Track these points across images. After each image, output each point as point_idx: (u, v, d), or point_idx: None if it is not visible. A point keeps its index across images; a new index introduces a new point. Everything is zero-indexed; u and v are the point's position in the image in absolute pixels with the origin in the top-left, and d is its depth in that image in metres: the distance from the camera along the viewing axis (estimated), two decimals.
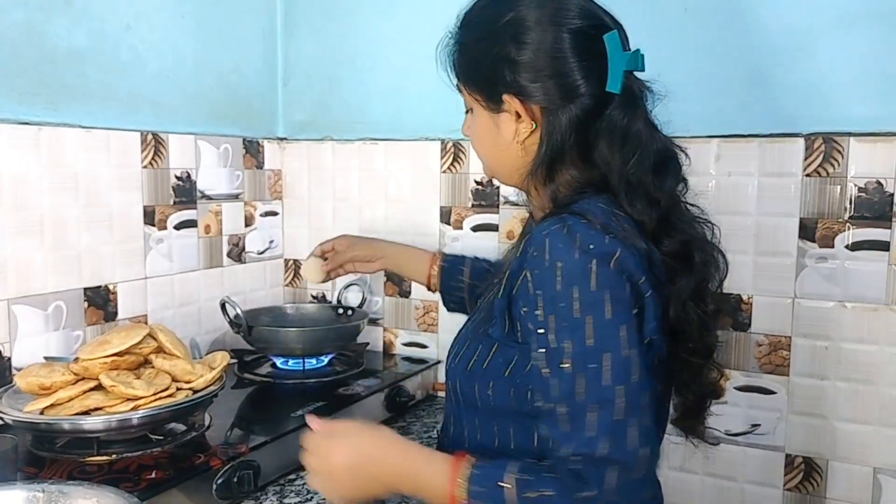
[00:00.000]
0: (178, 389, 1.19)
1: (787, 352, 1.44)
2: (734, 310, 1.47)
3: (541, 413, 0.88)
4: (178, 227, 1.66)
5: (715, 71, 1.46)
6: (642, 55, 0.95)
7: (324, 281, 1.52)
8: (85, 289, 1.46)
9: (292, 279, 1.99)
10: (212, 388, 1.23)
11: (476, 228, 1.73)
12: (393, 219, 1.83)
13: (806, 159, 1.40)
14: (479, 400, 0.98)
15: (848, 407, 1.40)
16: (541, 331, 0.87)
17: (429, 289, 1.43)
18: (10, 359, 1.33)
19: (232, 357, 1.31)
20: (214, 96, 1.75)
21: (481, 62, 0.97)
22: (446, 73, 1.03)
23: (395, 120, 1.80)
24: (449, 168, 1.75)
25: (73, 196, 1.42)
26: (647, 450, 0.85)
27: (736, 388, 1.48)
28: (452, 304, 1.42)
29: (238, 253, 1.84)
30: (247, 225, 1.86)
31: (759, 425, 1.48)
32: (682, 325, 0.93)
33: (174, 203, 1.64)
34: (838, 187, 1.38)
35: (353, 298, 1.85)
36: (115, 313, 1.52)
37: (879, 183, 1.35)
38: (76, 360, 1.19)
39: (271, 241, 1.95)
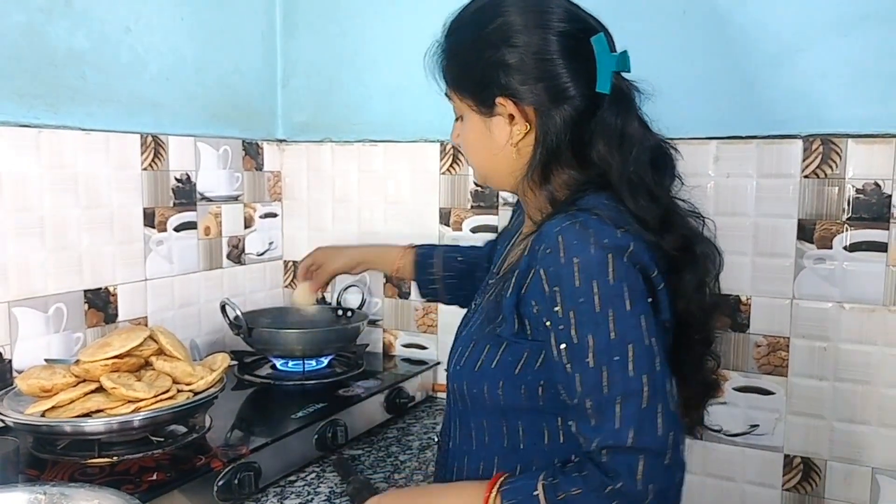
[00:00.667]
0: (178, 391, 1.20)
1: (786, 352, 1.45)
2: (733, 311, 1.48)
3: (568, 409, 0.89)
4: (177, 228, 1.66)
5: (713, 73, 1.47)
6: (628, 56, 0.97)
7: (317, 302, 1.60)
8: (85, 291, 1.46)
9: (292, 280, 1.99)
10: (212, 389, 1.23)
11: (475, 230, 1.74)
12: (392, 220, 1.84)
13: (804, 161, 1.40)
14: (489, 400, 0.97)
15: (846, 407, 1.41)
16: (561, 327, 0.87)
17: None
18: (10, 361, 1.33)
19: (232, 359, 1.31)
20: (214, 98, 1.75)
21: (472, 67, 0.98)
22: (435, 81, 1.05)
23: (394, 121, 1.81)
24: (448, 169, 1.75)
25: (74, 198, 1.43)
26: (672, 433, 0.84)
27: (735, 389, 1.49)
28: (427, 294, 1.47)
29: (238, 254, 1.84)
30: (246, 226, 1.86)
31: (758, 426, 1.48)
32: (688, 317, 0.95)
33: (174, 205, 1.65)
34: (836, 188, 1.39)
35: (352, 300, 1.85)
36: (116, 315, 1.52)
37: (877, 184, 1.36)
38: (77, 362, 1.19)
39: (271, 243, 1.95)
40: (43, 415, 1.12)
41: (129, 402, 1.14)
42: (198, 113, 1.71)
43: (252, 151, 1.86)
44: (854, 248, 1.38)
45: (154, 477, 1.10)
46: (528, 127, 0.96)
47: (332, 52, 1.87)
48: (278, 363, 1.66)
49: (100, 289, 1.49)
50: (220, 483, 1.14)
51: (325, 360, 1.68)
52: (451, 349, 1.06)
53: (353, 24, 1.84)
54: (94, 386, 1.16)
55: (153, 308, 1.61)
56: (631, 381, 0.84)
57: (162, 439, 1.20)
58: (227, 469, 1.15)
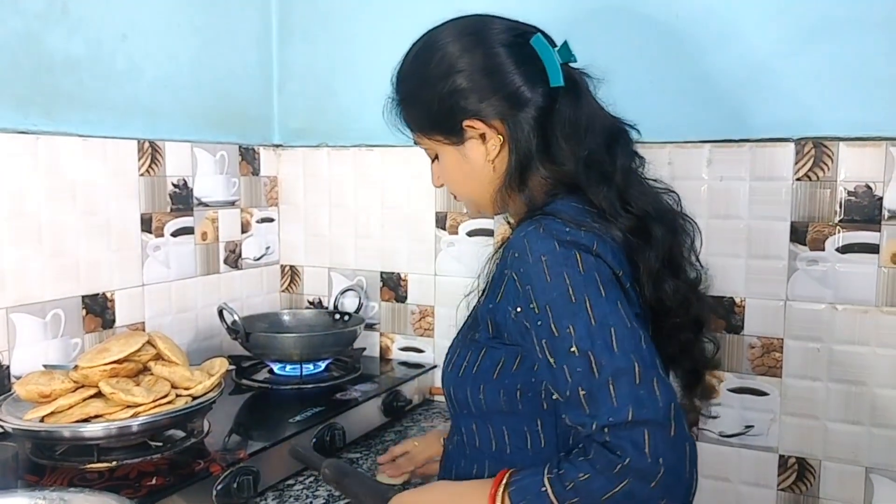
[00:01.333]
0: (177, 396, 1.20)
1: (780, 353, 1.46)
2: (727, 312, 1.49)
3: (560, 405, 0.87)
4: (175, 234, 1.67)
5: (706, 77, 1.48)
6: (569, 46, 1.00)
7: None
8: (83, 296, 1.47)
9: (289, 285, 2.00)
10: (211, 394, 1.24)
11: (472, 233, 1.75)
12: (389, 224, 1.85)
13: (796, 164, 1.42)
14: (473, 404, 0.99)
15: (840, 408, 1.42)
16: (539, 323, 0.87)
17: None
18: (8, 367, 1.33)
19: (230, 363, 1.32)
20: (210, 104, 1.76)
21: (430, 104, 1.01)
22: (401, 132, 1.08)
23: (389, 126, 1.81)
24: None
25: (71, 204, 1.43)
26: (672, 404, 0.82)
27: (729, 390, 1.50)
28: None
29: (235, 259, 1.85)
30: (243, 231, 1.87)
31: (753, 426, 1.49)
32: (661, 300, 0.95)
33: (171, 210, 1.65)
34: (828, 191, 1.40)
35: (349, 304, 1.86)
36: (114, 321, 1.53)
37: (868, 187, 1.37)
38: (76, 367, 1.19)
39: (268, 248, 1.96)
40: (42, 420, 1.13)
41: (128, 407, 1.14)
42: (194, 119, 1.71)
43: (248, 157, 1.87)
44: (846, 249, 1.39)
45: (153, 481, 1.10)
46: (502, 139, 0.98)
47: (327, 57, 1.88)
48: (276, 367, 1.67)
49: (97, 294, 1.49)
50: (219, 487, 1.14)
51: (323, 364, 1.69)
52: (445, 355, 1.07)
53: (348, 30, 1.85)
54: (92, 391, 1.16)
55: (151, 313, 1.61)
56: (619, 359, 0.82)
57: (161, 444, 1.21)
58: (225, 473, 1.16)
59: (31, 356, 1.36)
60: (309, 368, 1.66)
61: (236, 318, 1.64)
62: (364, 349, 1.78)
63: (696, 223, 1.04)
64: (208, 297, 1.76)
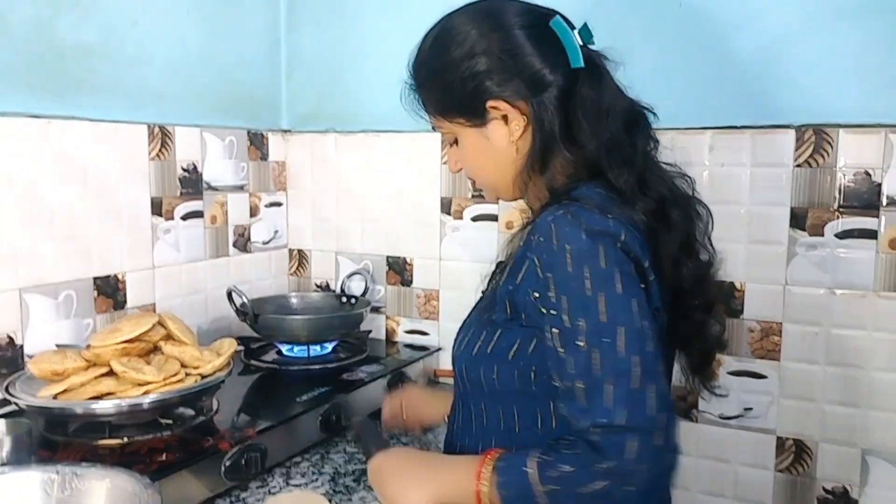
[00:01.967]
0: (186, 375, 1.23)
1: (779, 337, 1.48)
2: (727, 297, 1.51)
3: (559, 393, 0.90)
4: (184, 217, 1.70)
5: (709, 64, 1.49)
6: (588, 28, 1.00)
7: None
8: (95, 278, 1.50)
9: (297, 268, 2.03)
10: (219, 373, 1.27)
11: (476, 218, 1.77)
12: (395, 209, 1.87)
13: (797, 150, 1.43)
14: (485, 383, 1.01)
15: (837, 390, 1.44)
16: (553, 312, 0.89)
17: None
18: (22, 346, 1.37)
19: (238, 344, 1.35)
20: (219, 89, 1.78)
21: (453, 88, 1.01)
22: (421, 117, 1.08)
23: (396, 112, 1.81)
24: None
25: (82, 188, 1.46)
26: (664, 414, 0.85)
27: (729, 373, 1.52)
28: None
29: (244, 243, 1.88)
30: (252, 215, 1.90)
31: (752, 409, 1.51)
32: (678, 282, 0.96)
33: (181, 194, 1.68)
34: (828, 177, 1.41)
35: (356, 287, 1.89)
36: (125, 302, 1.56)
37: (867, 173, 1.38)
38: (88, 347, 1.22)
39: (276, 232, 1.98)
40: (55, 398, 1.16)
41: (139, 385, 1.17)
42: (203, 104, 1.74)
43: (257, 141, 1.90)
44: (845, 235, 1.41)
45: (163, 458, 1.13)
46: (525, 120, 0.99)
47: (335, 43, 1.90)
48: (284, 349, 1.70)
49: (109, 276, 1.53)
50: (228, 463, 1.17)
51: (330, 346, 1.71)
52: (456, 332, 1.09)
53: (355, 16, 1.86)
54: (104, 370, 1.19)
55: (161, 295, 1.64)
56: (621, 361, 0.85)
57: (171, 421, 1.24)
58: (234, 450, 1.18)
59: (44, 336, 1.39)
60: (316, 350, 1.69)
61: (245, 300, 1.67)
62: (370, 332, 1.81)
63: (708, 208, 1.05)
64: (218, 279, 1.79)
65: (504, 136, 1.00)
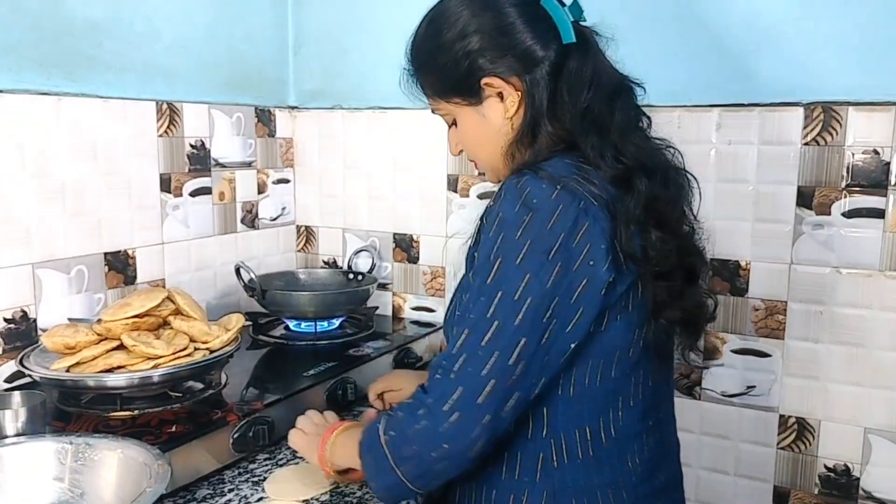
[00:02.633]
0: (195, 349, 1.25)
1: (783, 316, 1.48)
2: (732, 275, 1.51)
3: None
4: (193, 194, 1.71)
5: (716, 41, 1.48)
6: (579, 3, 1.02)
7: None
8: (105, 253, 1.52)
9: (304, 245, 2.04)
10: (227, 348, 1.29)
11: (482, 196, 1.78)
12: (401, 186, 1.87)
13: (805, 128, 1.43)
14: None
15: (841, 369, 1.45)
16: (469, 268, 0.97)
17: None
18: (35, 320, 1.39)
19: (246, 319, 1.36)
20: (227, 66, 1.78)
21: (448, 68, 1.02)
22: (420, 100, 1.10)
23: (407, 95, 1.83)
24: None
25: (93, 164, 1.47)
26: (495, 383, 0.88)
27: (732, 351, 1.53)
28: None
29: (251, 219, 1.89)
30: (259, 192, 1.91)
31: (755, 387, 1.52)
32: (644, 249, 0.93)
33: (189, 171, 1.69)
34: (836, 156, 1.41)
35: (363, 264, 1.90)
36: (135, 277, 1.58)
37: (876, 151, 1.38)
38: (99, 321, 1.24)
39: (283, 208, 2.00)
40: (67, 370, 1.18)
41: (149, 359, 1.19)
42: (211, 81, 1.74)
43: (264, 118, 1.90)
44: (852, 214, 1.41)
45: (173, 429, 1.15)
46: (520, 96, 1.00)
47: (341, 20, 1.89)
48: (291, 324, 1.72)
49: (119, 252, 1.54)
50: (236, 436, 1.19)
51: (337, 322, 1.73)
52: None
53: None
54: (115, 343, 1.21)
55: (170, 270, 1.66)
56: (483, 320, 0.89)
57: (180, 394, 1.26)
58: (241, 423, 1.21)
59: (57, 310, 1.41)
60: (323, 325, 1.70)
61: (253, 276, 1.68)
62: (377, 308, 1.82)
63: (694, 178, 1.05)
64: (226, 255, 1.80)
65: (500, 112, 1.02)
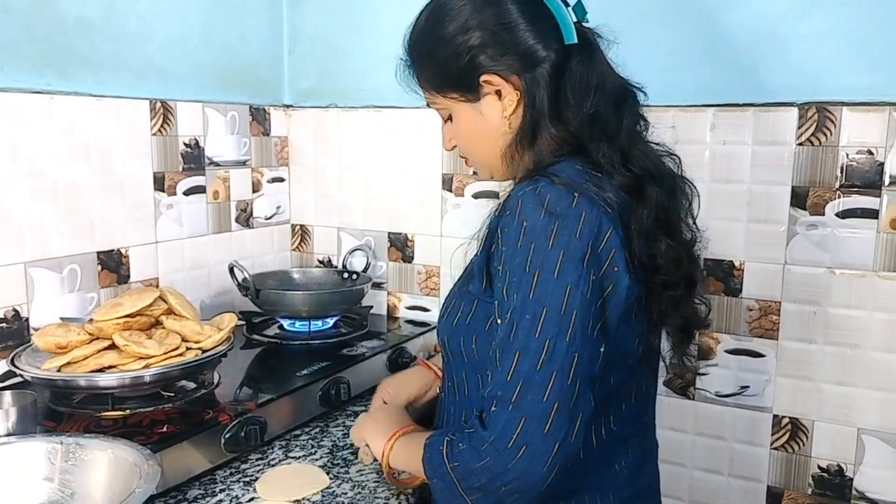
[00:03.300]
0: (187, 349, 1.25)
1: (777, 316, 1.48)
2: (726, 275, 1.51)
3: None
4: (187, 192, 1.70)
5: (711, 41, 1.48)
6: (583, 4, 1.01)
7: None
8: (98, 252, 1.51)
9: (299, 244, 2.04)
10: (220, 347, 1.28)
11: (477, 195, 1.77)
12: (397, 185, 1.87)
13: (799, 128, 1.42)
14: (465, 354, 1.02)
15: (834, 370, 1.45)
16: (499, 284, 0.91)
17: None
18: (27, 319, 1.38)
19: (240, 319, 1.36)
20: (221, 64, 1.78)
21: (447, 62, 1.01)
22: (415, 93, 1.09)
23: (398, 88, 1.82)
24: None
25: (86, 163, 1.47)
26: (558, 402, 0.84)
27: (726, 351, 1.53)
28: None
29: (246, 218, 1.89)
30: (254, 191, 1.91)
31: (748, 387, 1.52)
32: (653, 258, 0.94)
33: (183, 169, 1.69)
34: (830, 156, 1.41)
35: (357, 263, 1.90)
36: (128, 276, 1.58)
37: (870, 152, 1.38)
38: (91, 320, 1.24)
39: (278, 207, 1.99)
40: (59, 370, 1.18)
41: (140, 358, 1.19)
42: (205, 79, 1.74)
43: (259, 117, 1.90)
44: (846, 214, 1.41)
45: (165, 429, 1.15)
46: (518, 95, 0.99)
47: (337, 19, 1.89)
48: (285, 323, 1.72)
49: (112, 251, 1.54)
50: (228, 436, 1.19)
51: (331, 321, 1.73)
52: (441, 305, 1.11)
53: None
54: (106, 343, 1.21)
55: (164, 270, 1.66)
56: (532, 340, 0.86)
57: (172, 394, 1.25)
58: (234, 423, 1.20)
59: (49, 309, 1.41)
60: (317, 325, 1.70)
61: (247, 275, 1.68)
62: (371, 307, 1.82)
63: (695, 186, 1.06)
64: (220, 254, 1.80)
65: (497, 111, 1.01)
